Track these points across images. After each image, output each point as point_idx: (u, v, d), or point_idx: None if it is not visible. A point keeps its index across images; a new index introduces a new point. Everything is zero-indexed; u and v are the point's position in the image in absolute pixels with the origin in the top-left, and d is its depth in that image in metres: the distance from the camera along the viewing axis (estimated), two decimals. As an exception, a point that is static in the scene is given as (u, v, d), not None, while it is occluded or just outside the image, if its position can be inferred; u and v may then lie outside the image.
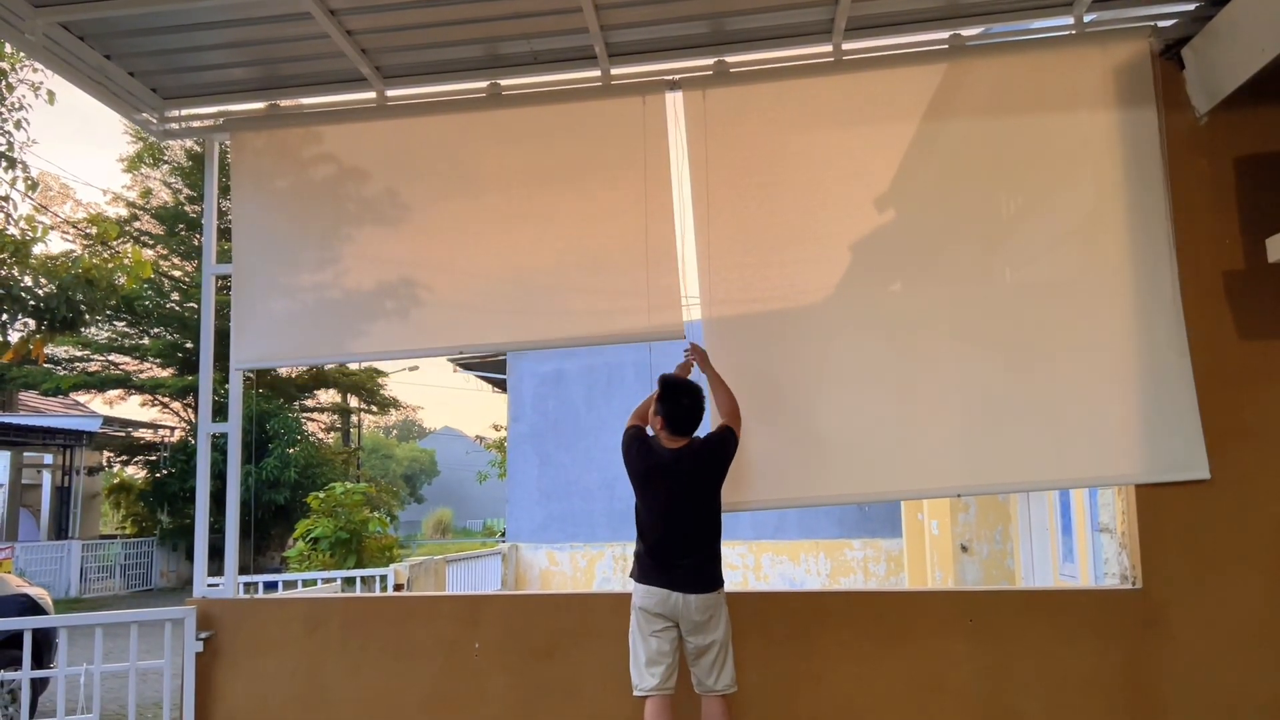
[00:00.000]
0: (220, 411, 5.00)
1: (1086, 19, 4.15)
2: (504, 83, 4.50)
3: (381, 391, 29.07)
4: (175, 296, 23.21)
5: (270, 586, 9.59)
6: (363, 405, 29.89)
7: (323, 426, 29.21)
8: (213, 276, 4.82)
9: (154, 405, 24.11)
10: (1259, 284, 3.98)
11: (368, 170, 4.65)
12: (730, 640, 3.69)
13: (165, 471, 22.39)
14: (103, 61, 4.29)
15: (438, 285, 4.55)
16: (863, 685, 4.04)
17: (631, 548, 3.86)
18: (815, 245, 4.25)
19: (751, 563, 14.21)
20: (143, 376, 23.21)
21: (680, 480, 3.69)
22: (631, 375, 14.46)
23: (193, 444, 21.02)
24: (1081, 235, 4.15)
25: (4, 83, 8.65)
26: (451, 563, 11.93)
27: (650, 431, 3.86)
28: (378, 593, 9.57)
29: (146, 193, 23.95)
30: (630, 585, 3.77)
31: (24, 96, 8.95)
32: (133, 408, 24.55)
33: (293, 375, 25.66)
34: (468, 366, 18.62)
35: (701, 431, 3.84)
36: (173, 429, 23.62)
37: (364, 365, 27.80)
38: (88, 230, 15.84)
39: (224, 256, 4.82)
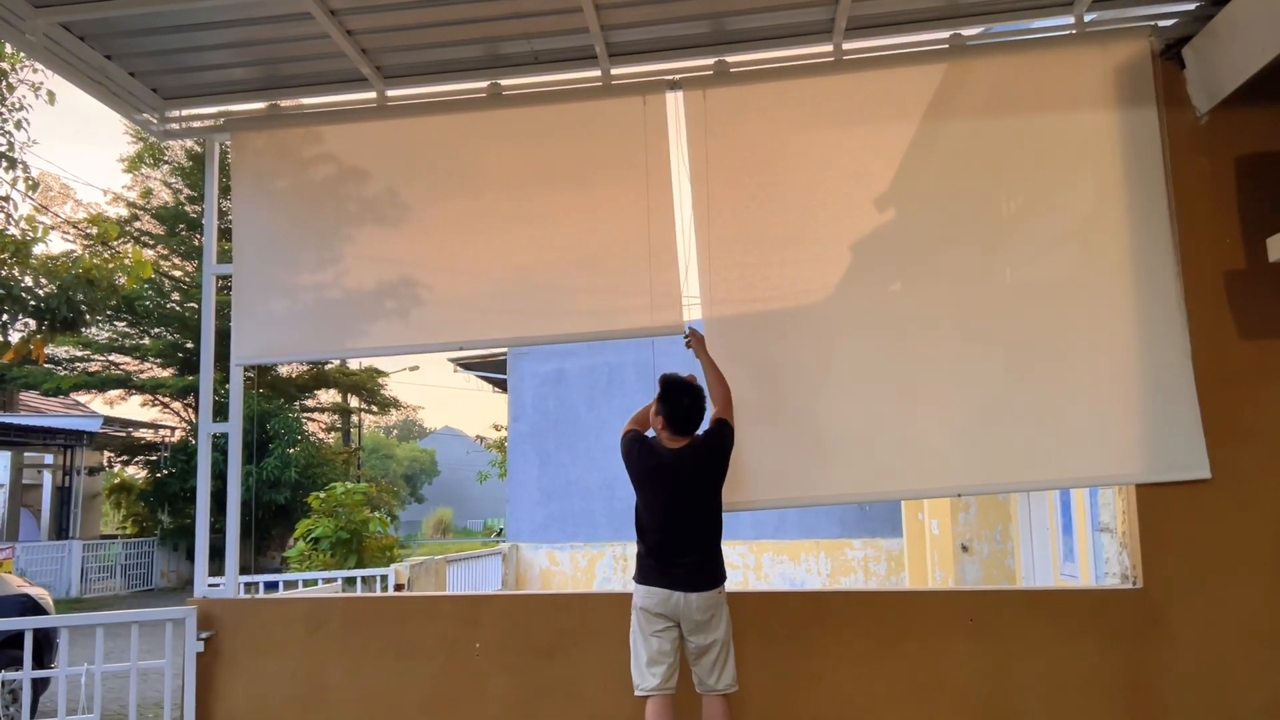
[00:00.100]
0: (221, 411, 5.00)
1: (1087, 18, 4.15)
2: (504, 83, 4.50)
3: (382, 391, 29.07)
4: (176, 296, 23.21)
5: (271, 586, 9.59)
6: (363, 405, 29.89)
7: (323, 426, 29.22)
8: (213, 276, 4.82)
9: (154, 405, 24.12)
10: (1260, 284, 3.98)
11: (368, 170, 4.65)
12: (731, 639, 3.69)
13: (166, 471, 22.40)
14: (103, 62, 4.29)
15: (438, 285, 4.55)
16: (863, 685, 4.05)
17: (632, 548, 3.86)
18: (816, 245, 4.25)
19: (752, 562, 14.21)
20: (143, 377, 23.21)
21: (682, 480, 3.69)
22: (632, 375, 14.47)
23: (193, 444, 21.03)
24: (1082, 235, 4.15)
25: (4, 83, 8.66)
26: (452, 563, 11.94)
27: (650, 433, 3.86)
28: (378, 593, 9.56)
29: (147, 193, 23.95)
30: (631, 585, 3.77)
31: (24, 97, 8.98)
32: (133, 408, 24.59)
33: (293, 375, 25.68)
34: (468, 366, 18.60)
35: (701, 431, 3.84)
36: (173, 429, 23.62)
37: (364, 365, 27.85)
38: (88, 230, 15.84)
39: (224, 256, 4.82)
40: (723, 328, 4.26)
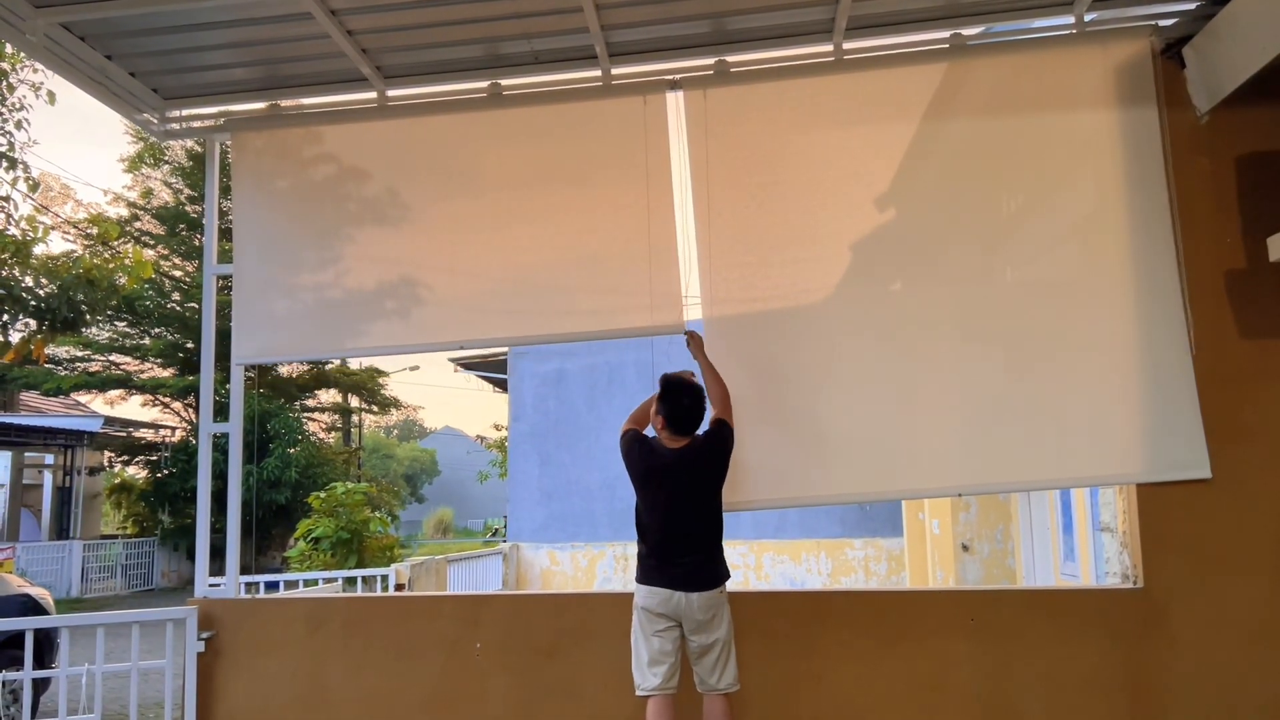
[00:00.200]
0: (221, 411, 5.00)
1: (1087, 18, 4.15)
2: (505, 83, 4.50)
3: (382, 391, 29.09)
4: (176, 297, 23.22)
5: (271, 586, 9.58)
6: (363, 405, 29.91)
7: (323, 426, 29.24)
8: (214, 276, 4.82)
9: (155, 405, 24.13)
10: (1260, 283, 3.98)
11: (368, 170, 4.65)
12: (733, 639, 3.69)
13: (166, 471, 22.41)
14: (104, 62, 4.29)
15: (438, 285, 4.55)
16: (864, 684, 4.05)
17: (632, 548, 3.86)
18: (816, 245, 4.25)
19: (753, 562, 14.22)
20: (144, 377, 23.22)
21: (682, 480, 3.69)
22: (632, 375, 14.47)
23: (194, 444, 21.05)
24: (1082, 235, 4.15)
25: (5, 83, 8.66)
26: (453, 562, 11.94)
27: (650, 432, 3.86)
28: (379, 593, 9.57)
29: (147, 193, 23.97)
30: (631, 585, 3.77)
31: (24, 97, 8.97)
32: (134, 408, 24.59)
33: (293, 375, 25.70)
34: (468, 366, 18.60)
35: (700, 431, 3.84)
36: (174, 429, 23.64)
37: (365, 365, 27.85)
38: (88, 230, 15.83)
39: (225, 256, 4.82)
40: (723, 328, 4.26)
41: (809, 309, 4.26)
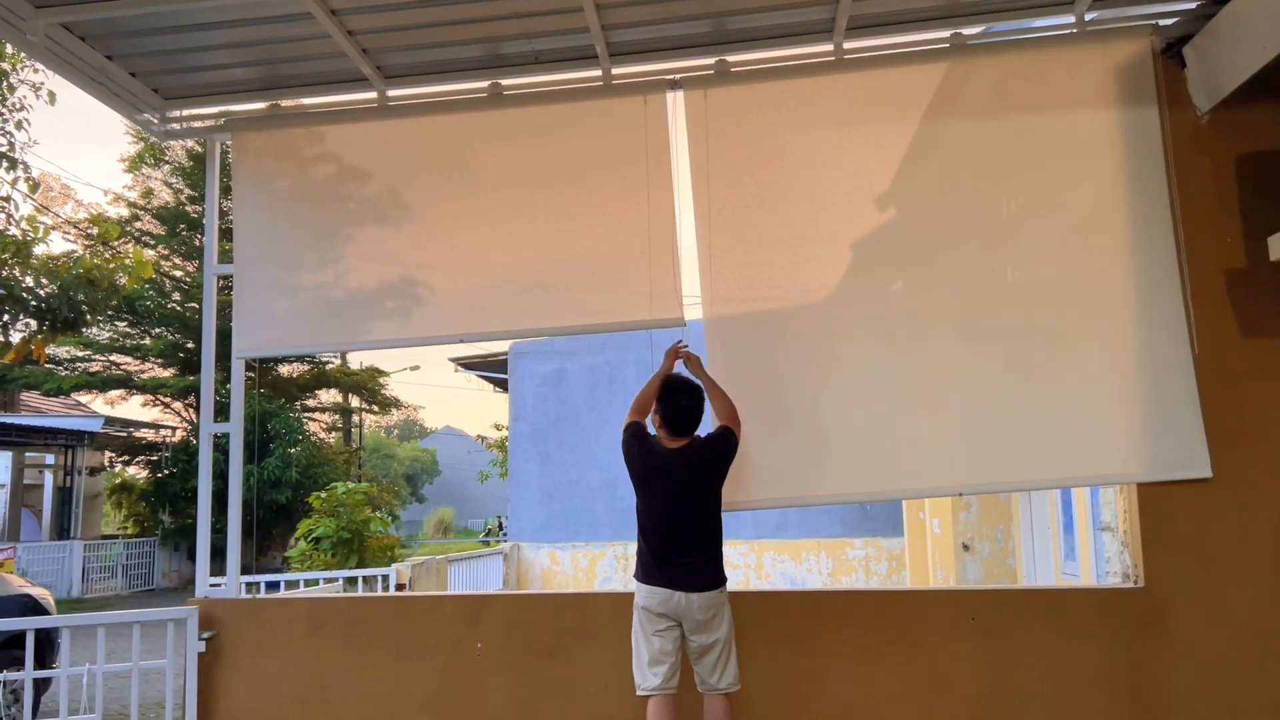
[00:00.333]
0: (222, 411, 5.00)
1: (1088, 17, 4.15)
2: (505, 82, 4.50)
3: (383, 391, 29.07)
4: (176, 297, 23.23)
5: (272, 586, 9.58)
6: (364, 405, 29.90)
7: (324, 426, 29.25)
8: (214, 276, 4.82)
9: (155, 405, 24.13)
10: (1261, 282, 3.98)
11: (369, 170, 4.66)
12: (733, 638, 3.69)
13: (167, 471, 22.42)
14: (104, 62, 4.29)
15: (439, 284, 4.55)
16: (864, 684, 4.05)
17: (633, 547, 3.87)
18: (816, 244, 4.25)
19: (753, 562, 14.22)
20: (144, 377, 23.23)
21: (681, 480, 3.70)
22: (633, 374, 14.46)
23: (194, 444, 21.07)
24: (1083, 234, 4.15)
25: (5, 83, 8.66)
26: (453, 562, 11.95)
27: (651, 428, 3.86)
28: (379, 592, 9.57)
29: (148, 193, 23.97)
30: (632, 585, 3.77)
31: (25, 97, 8.98)
32: (134, 408, 24.59)
33: (294, 375, 25.71)
34: (469, 366, 18.61)
35: (701, 431, 3.84)
36: (174, 429, 23.65)
37: (365, 365, 27.85)
38: (89, 230, 15.83)
39: (225, 256, 4.82)
40: (723, 327, 4.26)
41: (809, 309, 4.26)
